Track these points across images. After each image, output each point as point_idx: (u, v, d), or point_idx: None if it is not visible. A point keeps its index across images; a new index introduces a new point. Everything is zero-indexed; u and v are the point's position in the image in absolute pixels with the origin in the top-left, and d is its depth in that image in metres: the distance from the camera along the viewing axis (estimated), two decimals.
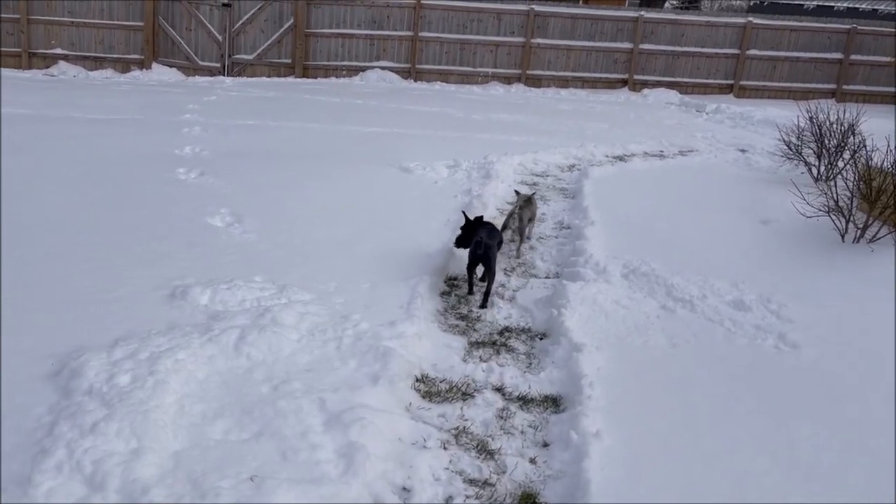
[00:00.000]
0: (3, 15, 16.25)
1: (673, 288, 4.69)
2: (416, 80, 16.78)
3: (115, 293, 4.05)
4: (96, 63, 16.70)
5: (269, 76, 16.87)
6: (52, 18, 16.46)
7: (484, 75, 16.97)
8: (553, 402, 3.51)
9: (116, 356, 3.25)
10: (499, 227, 5.20)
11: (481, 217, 5.05)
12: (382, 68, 16.78)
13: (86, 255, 4.65)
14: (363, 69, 16.86)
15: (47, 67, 16.54)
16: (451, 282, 5.00)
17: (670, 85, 17.06)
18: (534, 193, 5.98)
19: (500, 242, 5.03)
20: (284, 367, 3.45)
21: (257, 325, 3.73)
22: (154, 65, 16.68)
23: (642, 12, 17.23)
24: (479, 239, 4.65)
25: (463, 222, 5.02)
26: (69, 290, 4.05)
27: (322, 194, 6.63)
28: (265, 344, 3.57)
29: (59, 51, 16.60)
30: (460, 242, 4.94)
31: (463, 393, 3.54)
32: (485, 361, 3.90)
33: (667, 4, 27.97)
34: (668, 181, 8.13)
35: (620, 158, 9.36)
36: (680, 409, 3.38)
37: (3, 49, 16.45)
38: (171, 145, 8.39)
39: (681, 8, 29.31)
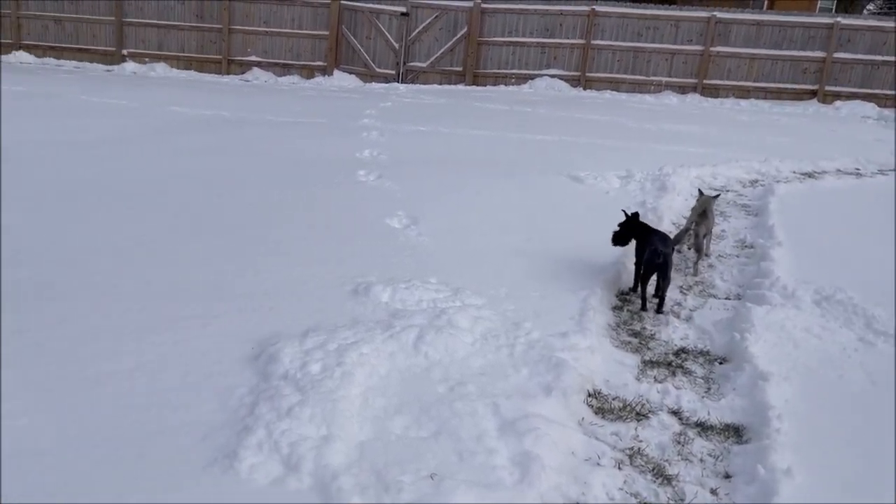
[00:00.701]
0: (208, 24, 17.87)
1: (873, 319, 4.28)
2: (585, 89, 16.58)
3: (305, 286, 4.33)
4: (284, 69, 17.94)
5: (440, 83, 17.32)
6: (249, 28, 17.88)
7: (657, 84, 16.43)
8: (735, 432, 3.32)
9: (308, 345, 3.47)
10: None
11: (637, 214, 4.90)
12: (551, 76, 16.73)
13: (280, 249, 5.01)
14: (532, 77, 16.90)
15: (243, 73, 18.00)
16: (623, 296, 4.89)
17: (867, 97, 15.67)
18: (717, 195, 5.72)
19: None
20: (459, 369, 3.52)
21: (434, 325, 3.84)
22: (335, 71, 17.66)
23: (838, 18, 15.92)
24: (655, 248, 4.50)
25: (623, 220, 4.92)
26: (266, 281, 4.37)
27: (492, 200, 6.72)
28: (442, 345, 3.66)
29: (253, 58, 18.00)
30: (618, 240, 4.85)
31: (637, 413, 3.44)
32: (660, 382, 3.77)
33: (865, 10, 25.67)
34: (866, 202, 7.46)
35: (809, 175, 8.71)
36: (881, 455, 3.08)
37: (206, 55, 18.11)
38: (351, 149, 8.85)
39: (882, 13, 26.76)
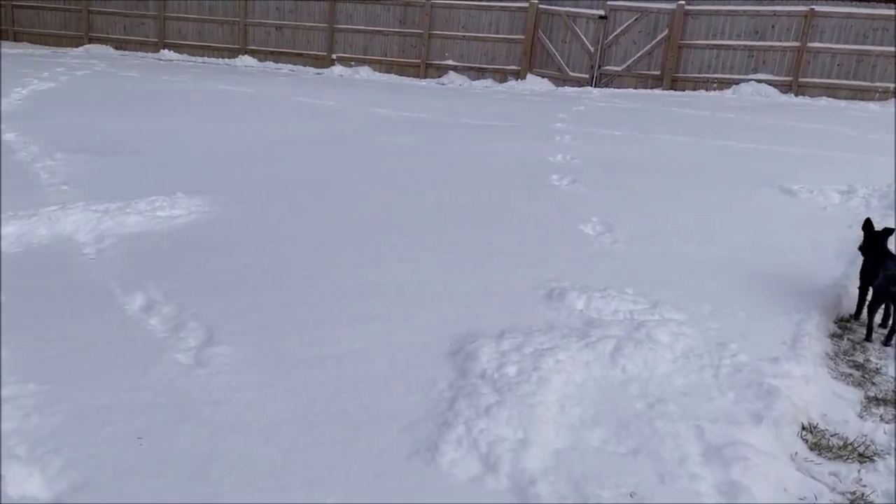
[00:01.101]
0: (409, 29, 18.68)
1: None
2: (796, 95, 15.34)
3: (500, 287, 4.37)
4: (478, 73, 18.31)
5: (635, 87, 16.83)
6: (447, 33, 18.45)
7: (884, 91, 14.82)
8: None
9: (504, 347, 3.49)
10: None
11: (892, 230, 4.35)
12: (758, 81, 15.65)
13: (474, 250, 5.10)
14: (736, 82, 15.92)
15: (439, 76, 18.61)
16: (843, 323, 4.44)
17: None
18: None
19: None
20: (659, 386, 3.37)
21: (632, 338, 3.71)
22: (528, 75, 17.73)
23: None
24: (891, 273, 4.03)
25: (866, 234, 4.40)
26: (462, 281, 4.47)
27: (693, 210, 6.40)
28: (640, 359, 3.53)
29: (450, 62, 18.55)
30: (864, 251, 4.37)
31: (860, 454, 3.10)
32: (887, 423, 3.37)
33: None
34: None
35: None
36: None
37: (406, 59, 18.94)
38: (544, 152, 8.83)
39: None
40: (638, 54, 16.77)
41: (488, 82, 18.05)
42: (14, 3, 23.35)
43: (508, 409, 2.96)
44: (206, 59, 21.03)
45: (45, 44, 22.84)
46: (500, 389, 3.11)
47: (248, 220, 5.48)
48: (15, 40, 23.46)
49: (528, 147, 9.23)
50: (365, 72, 19.11)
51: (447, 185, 7.03)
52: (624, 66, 16.96)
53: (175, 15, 21.37)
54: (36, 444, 2.58)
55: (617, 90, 16.65)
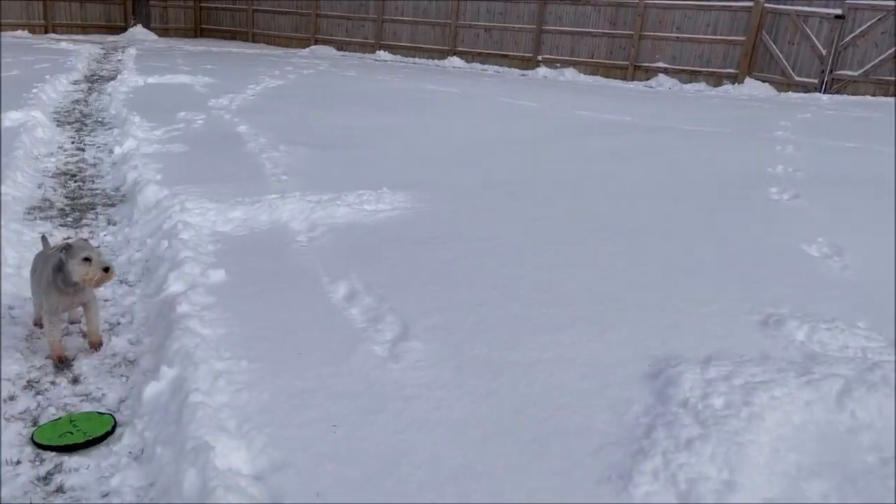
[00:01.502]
0: (619, 31, 18.13)
1: None
2: None
3: (708, 308, 4.03)
4: (690, 76, 17.38)
5: (873, 94, 15.08)
6: (660, 34, 17.70)
7: None
8: None
9: (710, 374, 3.20)
10: None
11: None
12: None
13: (678, 263, 4.76)
14: None
15: (647, 79, 17.92)
16: None
17: None
18: None
19: None
20: None
21: (864, 380, 3.23)
22: (746, 79, 16.53)
23: None
24: None
25: None
26: (664, 296, 4.18)
27: None
28: (874, 405, 3.07)
29: (660, 64, 17.78)
30: None
31: None
32: None
33: None
34: None
35: None
36: None
37: (613, 61, 18.42)
38: (761, 162, 8.14)
39: None
40: (879, 58, 14.99)
41: (701, 86, 17.07)
42: (255, 7, 25.88)
43: (713, 444, 2.69)
44: (416, 59, 21.93)
45: (278, 45, 25.09)
46: (703, 422, 2.84)
47: (448, 217, 5.55)
48: (253, 41, 26.03)
49: (743, 156, 8.56)
50: (570, 73, 18.88)
51: (651, 193, 6.68)
52: (861, 70, 15.24)
53: (391, 17, 22.51)
54: (244, 419, 2.74)
55: (851, 97, 15.00)
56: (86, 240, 3.35)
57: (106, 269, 3.16)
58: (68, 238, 5.06)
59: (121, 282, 4.32)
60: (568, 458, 2.67)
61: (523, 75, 19.23)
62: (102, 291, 4.10)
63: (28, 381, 3.14)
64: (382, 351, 3.37)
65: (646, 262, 4.76)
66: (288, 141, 8.22)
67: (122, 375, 3.25)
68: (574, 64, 19.18)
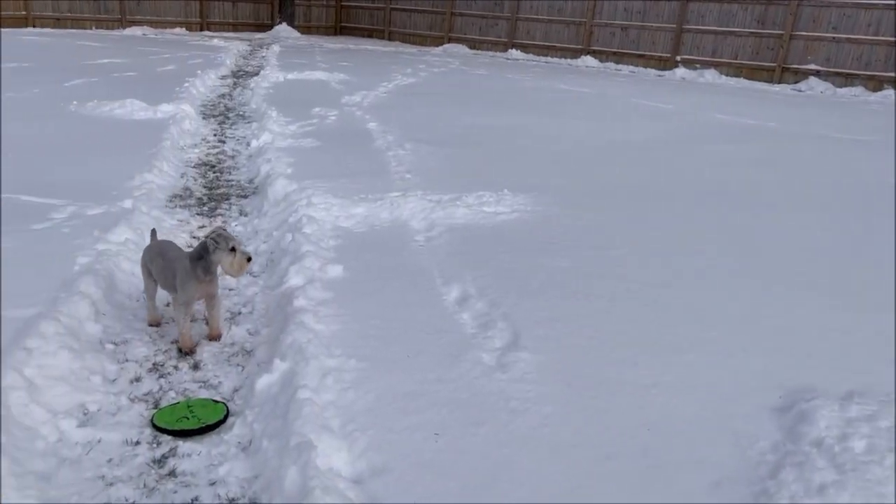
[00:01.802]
0: (767, 30, 17.07)
1: None
2: None
3: (852, 337, 3.66)
4: (846, 80, 16.13)
5: None
6: (813, 34, 16.52)
7: None
8: None
9: (851, 413, 2.88)
10: None
11: None
12: None
13: (830, 287, 4.37)
14: None
15: (796, 82, 16.78)
16: None
17: None
18: None
19: None
20: None
21: None
22: None
23: None
24: None
25: None
26: (798, 320, 3.84)
27: None
28: None
29: (811, 66, 16.60)
30: None
31: None
32: None
33: None
34: None
35: None
36: None
37: (759, 63, 17.33)
38: None
39: None
40: None
41: (857, 90, 15.75)
42: (392, 6, 26.51)
43: (850, 492, 2.41)
44: (548, 58, 21.66)
45: (413, 43, 25.56)
46: (840, 466, 2.56)
47: (569, 223, 5.39)
48: (389, 39, 26.67)
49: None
50: (710, 75, 17.99)
51: (794, 207, 6.20)
52: None
53: (525, 16, 22.35)
54: (348, 419, 2.75)
55: None
56: (225, 229, 3.47)
57: (249, 259, 3.31)
58: (206, 227, 5.34)
59: (246, 273, 4.49)
60: (681, 491, 2.48)
61: (660, 76, 18.52)
62: (228, 281, 4.28)
63: (153, 364, 3.31)
64: (490, 359, 3.29)
65: (783, 283, 4.39)
66: (414, 139, 8.31)
67: (238, 365, 3.36)
68: (715, 65, 18.25)
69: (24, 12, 21.57)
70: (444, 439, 2.69)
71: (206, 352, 3.46)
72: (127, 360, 3.30)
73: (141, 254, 3.72)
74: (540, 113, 11.02)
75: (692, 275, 4.45)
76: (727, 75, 17.99)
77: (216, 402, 3.01)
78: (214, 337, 3.54)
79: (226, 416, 2.91)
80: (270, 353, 3.33)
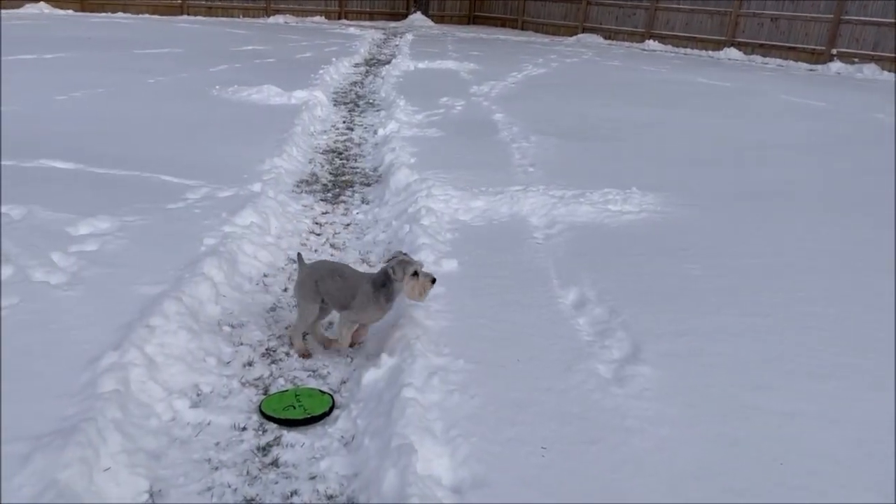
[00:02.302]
0: None
1: None
2: None
3: None
4: None
5: None
6: None
7: None
8: None
9: None
10: None
11: None
12: None
13: None
14: None
15: None
16: None
17: None
18: None
19: None
20: None
21: None
22: None
23: None
24: None
25: None
26: None
27: None
28: None
29: None
30: None
31: None
32: None
33: None
34: None
35: None
36: None
37: None
38: None
39: None
40: None
41: None
42: None
43: None
44: (688, 50, 20.66)
45: (545, 32, 25.16)
46: None
47: (701, 227, 5.03)
48: (521, 29, 26.39)
49: None
50: (869, 70, 16.49)
51: None
52: None
53: (666, 5, 21.40)
54: (451, 424, 2.64)
55: None
56: (405, 254, 3.27)
57: (433, 281, 3.18)
58: (329, 213, 5.42)
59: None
60: None
61: (811, 70, 17.20)
62: None
63: (266, 350, 3.35)
64: (606, 371, 3.08)
65: None
66: (540, 131, 8.10)
67: (347, 356, 3.34)
68: (876, 59, 16.71)
69: (179, 1, 23.05)
70: (550, 455, 2.52)
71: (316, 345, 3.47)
72: (241, 344, 3.35)
73: (301, 274, 3.32)
74: (676, 107, 10.48)
75: (842, 293, 4.01)
76: (890, 70, 16.42)
77: (323, 392, 2.99)
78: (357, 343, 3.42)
79: (331, 409, 2.88)
80: (379, 347, 3.28)
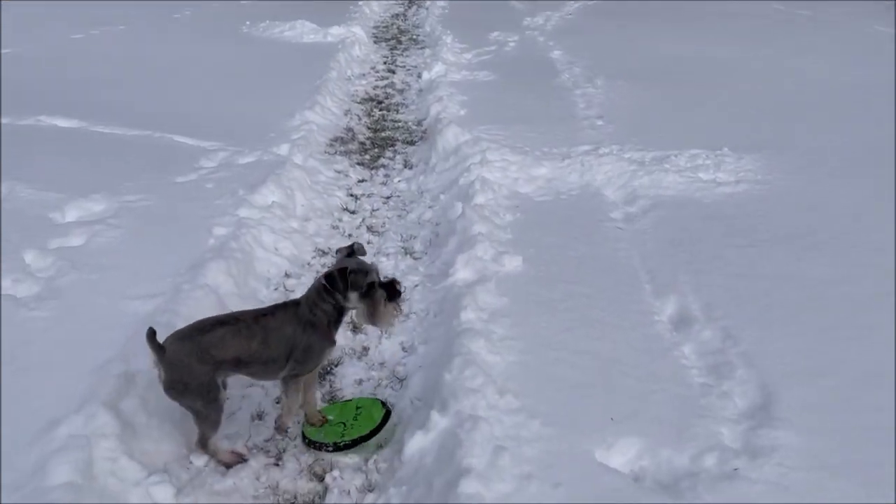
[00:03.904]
0: None
1: None
2: None
3: None
4: None
5: None
6: None
7: None
8: None
9: None
10: None
11: None
12: None
13: None
14: None
15: None
16: None
17: None
18: None
19: None
20: None
21: None
22: None
23: None
24: None
25: None
26: None
27: None
28: None
29: None
30: None
31: None
32: None
33: None
34: None
35: None
36: None
37: None
38: None
39: None
40: None
41: None
42: None
43: None
44: None
45: None
46: None
47: (821, 201, 4.04)
48: None
49: None
50: None
51: None
52: None
53: None
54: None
55: None
56: (355, 249, 2.29)
57: (398, 294, 2.22)
58: (366, 182, 4.63)
59: (406, 253, 3.72)
60: None
61: None
62: (386, 264, 3.55)
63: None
64: (732, 437, 2.29)
65: None
66: (606, 72, 7.01)
67: (391, 387, 2.61)
68: None
69: None
70: None
71: (349, 371, 2.74)
72: (251, 385, 2.65)
73: (172, 358, 2.14)
74: (774, 42, 8.98)
75: None
76: None
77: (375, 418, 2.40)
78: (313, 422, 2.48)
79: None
80: (425, 391, 2.54)
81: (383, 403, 2.47)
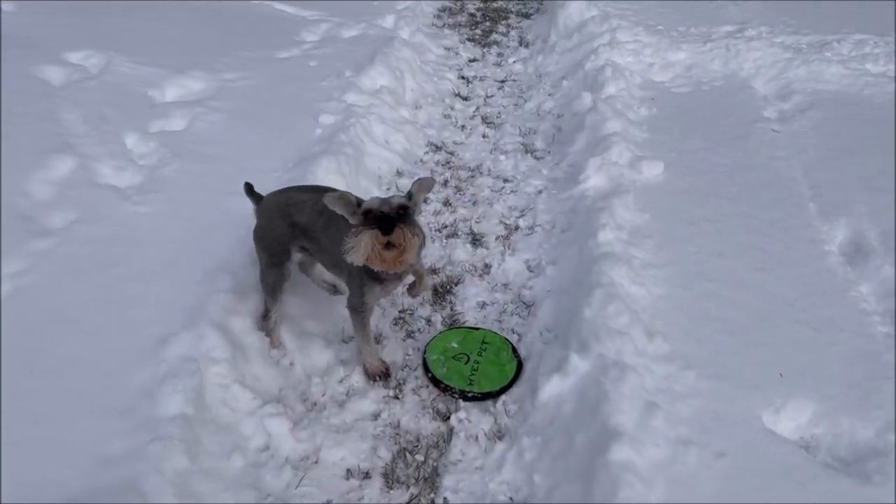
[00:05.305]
0: None
1: None
2: None
3: None
4: None
5: None
6: None
7: None
8: None
9: None
10: None
11: None
12: None
13: None
14: None
15: None
16: None
17: None
18: None
19: None
20: None
21: None
22: None
23: None
24: None
25: None
26: None
27: None
28: None
29: None
30: None
31: None
32: None
33: None
34: None
35: None
36: None
37: None
38: None
39: None
40: None
41: None
42: None
43: None
44: None
45: None
46: None
47: None
48: None
49: None
50: None
51: None
52: None
53: None
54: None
55: None
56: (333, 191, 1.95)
57: (388, 236, 1.74)
58: (478, 61, 4.19)
59: (526, 150, 3.34)
60: None
61: None
62: (504, 164, 3.20)
63: (400, 314, 2.41)
64: None
65: None
66: None
67: (512, 331, 2.34)
68: None
69: None
70: None
71: (470, 292, 2.48)
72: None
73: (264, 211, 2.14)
74: None
75: None
76: None
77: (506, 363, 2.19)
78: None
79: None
80: (557, 322, 2.26)
81: (514, 349, 2.24)
